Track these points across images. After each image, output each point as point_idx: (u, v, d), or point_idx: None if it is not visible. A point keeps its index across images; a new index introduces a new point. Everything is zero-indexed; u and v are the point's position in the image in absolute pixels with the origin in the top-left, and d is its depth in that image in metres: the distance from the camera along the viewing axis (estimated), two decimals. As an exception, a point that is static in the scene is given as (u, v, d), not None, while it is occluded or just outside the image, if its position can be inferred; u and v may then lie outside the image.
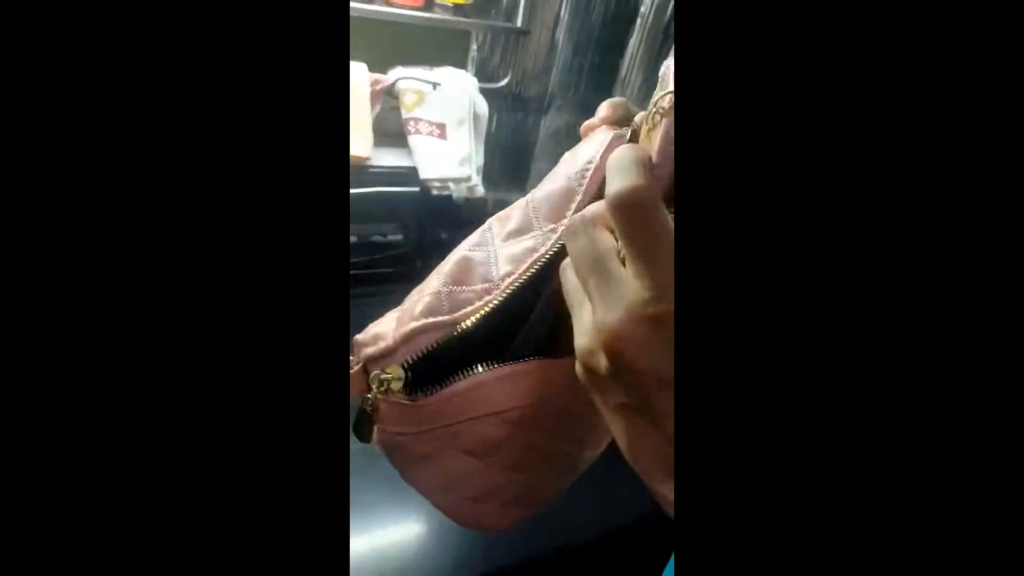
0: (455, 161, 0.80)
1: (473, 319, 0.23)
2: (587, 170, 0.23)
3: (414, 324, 0.24)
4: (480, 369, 0.23)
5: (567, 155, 0.25)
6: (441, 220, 0.89)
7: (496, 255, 0.24)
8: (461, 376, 0.23)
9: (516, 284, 0.23)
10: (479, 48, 0.92)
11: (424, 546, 0.53)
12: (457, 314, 0.23)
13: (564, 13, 0.94)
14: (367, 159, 0.74)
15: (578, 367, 0.21)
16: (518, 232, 0.24)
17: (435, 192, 0.81)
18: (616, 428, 0.21)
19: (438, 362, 0.24)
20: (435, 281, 0.25)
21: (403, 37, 0.84)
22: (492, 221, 0.26)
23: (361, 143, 0.72)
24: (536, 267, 0.23)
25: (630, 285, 0.19)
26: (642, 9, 0.99)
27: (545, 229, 0.23)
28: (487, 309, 0.23)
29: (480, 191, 0.86)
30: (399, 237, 0.84)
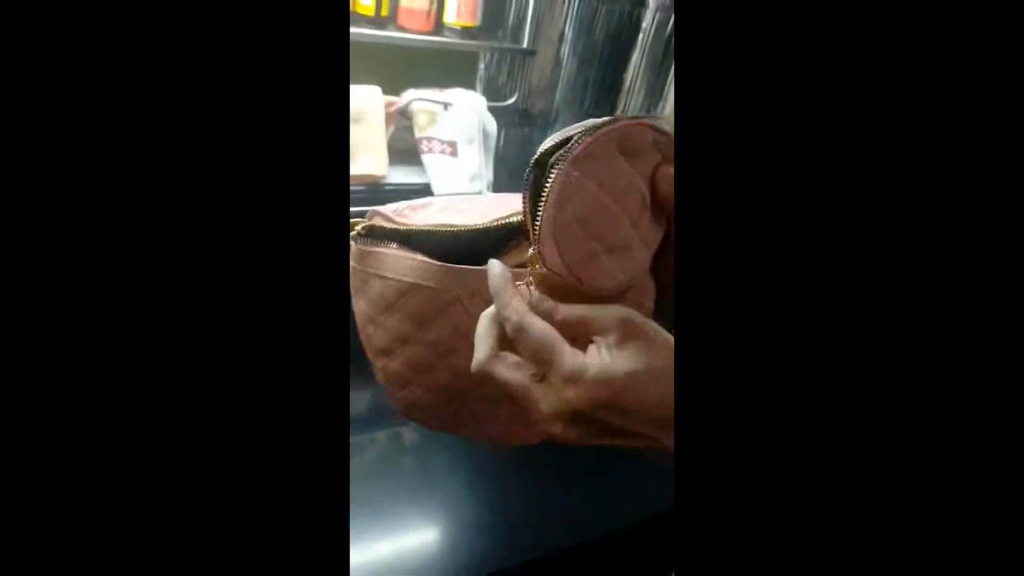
0: (466, 177, 0.83)
1: (396, 226, 0.35)
2: (506, 217, 0.32)
3: (376, 208, 0.37)
4: (392, 247, 0.34)
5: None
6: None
7: (445, 207, 0.36)
8: (381, 244, 0.35)
9: (419, 226, 0.34)
10: (487, 68, 0.95)
11: (436, 548, 0.55)
12: (397, 220, 0.35)
13: (568, 32, 0.97)
14: (383, 177, 0.77)
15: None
16: (461, 208, 0.35)
17: (448, 207, 0.84)
18: None
19: (383, 234, 0.36)
20: (403, 204, 0.37)
21: (415, 60, 0.88)
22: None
23: (377, 163, 0.75)
24: (432, 228, 0.34)
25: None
26: (644, 25, 1.02)
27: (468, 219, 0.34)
28: (404, 227, 0.34)
29: (491, 206, 0.88)
30: (413, 251, 0.86)
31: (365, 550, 0.52)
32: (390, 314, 0.35)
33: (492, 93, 0.96)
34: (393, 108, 0.79)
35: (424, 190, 0.82)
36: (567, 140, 0.25)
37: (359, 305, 0.37)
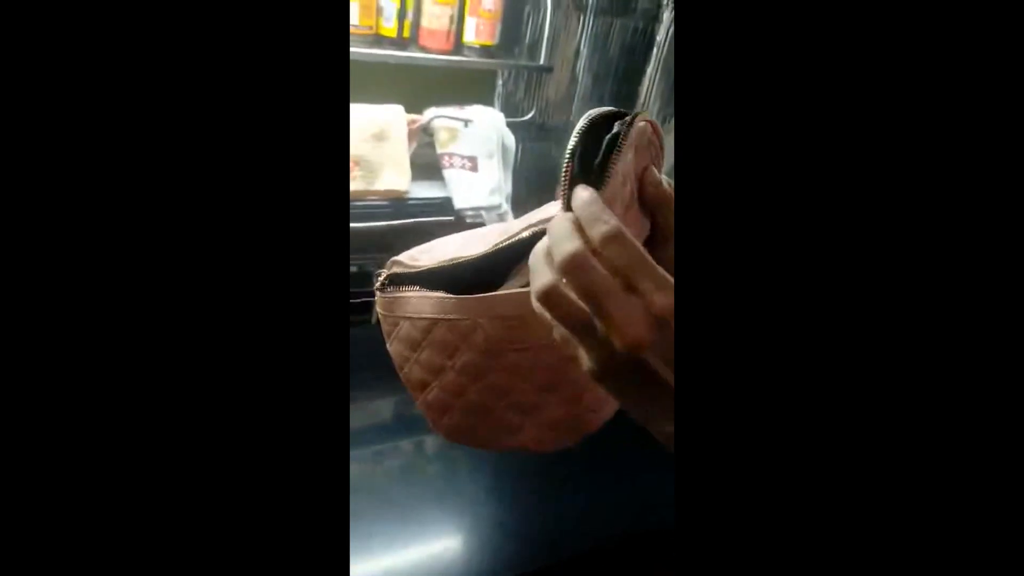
0: (486, 191, 0.85)
1: (409, 270, 0.38)
2: (511, 237, 0.34)
3: (394, 258, 0.39)
4: (414, 290, 0.37)
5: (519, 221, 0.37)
6: (474, 246, 0.93)
7: (449, 245, 0.38)
8: (402, 289, 0.38)
9: (432, 265, 0.37)
10: (505, 84, 0.97)
11: (458, 553, 0.56)
12: (409, 265, 0.38)
13: (583, 48, 0.99)
14: (406, 192, 0.79)
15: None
16: (467, 241, 0.37)
17: (468, 220, 0.86)
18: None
19: (402, 279, 0.39)
20: (415, 249, 0.40)
21: (436, 79, 0.91)
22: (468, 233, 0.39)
23: (400, 178, 0.78)
24: (442, 264, 0.37)
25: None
26: (658, 38, 1.04)
27: (469, 249, 0.36)
28: (417, 269, 0.37)
29: (510, 217, 0.91)
30: (435, 263, 0.89)
31: (389, 555, 0.54)
32: (421, 350, 0.38)
33: (510, 109, 0.98)
34: (415, 125, 0.81)
35: (445, 203, 0.84)
36: (609, 119, 0.28)
37: (394, 347, 0.40)
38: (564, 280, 0.24)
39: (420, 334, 0.37)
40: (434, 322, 0.36)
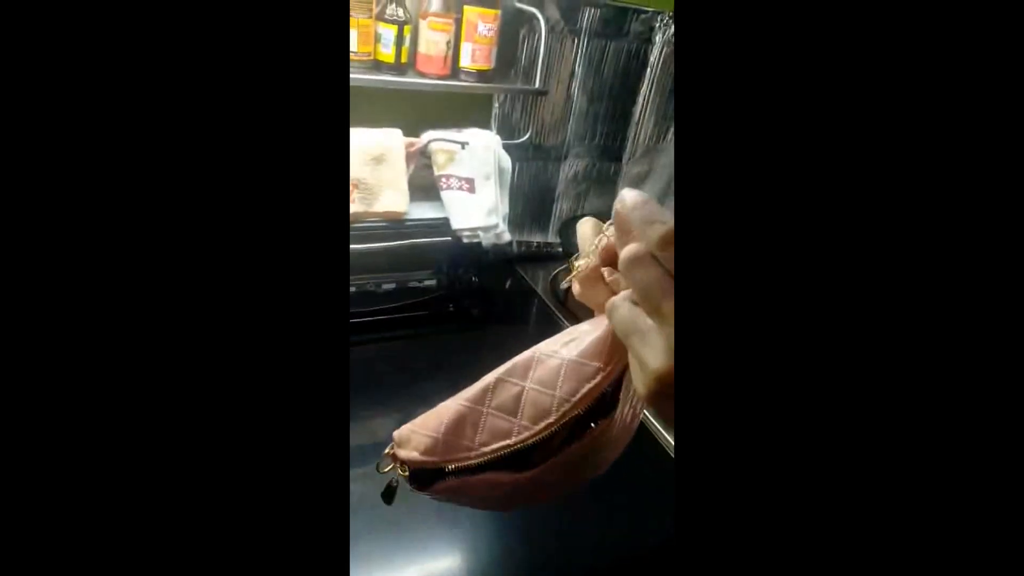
0: (483, 212, 0.87)
1: (455, 465, 0.34)
2: (567, 403, 0.31)
3: (415, 456, 0.34)
4: (484, 475, 0.34)
5: (567, 336, 0.34)
6: (471, 265, 0.95)
7: (485, 423, 0.33)
8: (441, 481, 0.35)
9: (487, 458, 0.33)
10: (501, 106, 0.99)
11: (462, 572, 0.56)
12: (447, 457, 0.34)
13: (578, 69, 1.01)
14: (404, 213, 0.81)
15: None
16: (506, 410, 0.33)
17: (466, 240, 0.88)
18: None
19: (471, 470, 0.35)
20: (437, 422, 0.35)
21: (433, 102, 0.93)
22: (493, 381, 0.34)
23: (399, 200, 0.79)
24: (503, 452, 0.33)
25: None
26: (651, 59, 1.06)
27: (523, 424, 0.33)
28: (463, 464, 0.34)
29: (506, 237, 0.92)
30: (433, 282, 0.90)
31: (392, 574, 0.54)
32: (480, 496, 0.37)
33: (507, 131, 1.00)
34: (414, 148, 0.83)
35: (443, 224, 0.85)
36: None
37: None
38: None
39: (484, 491, 0.36)
40: (507, 491, 0.35)
